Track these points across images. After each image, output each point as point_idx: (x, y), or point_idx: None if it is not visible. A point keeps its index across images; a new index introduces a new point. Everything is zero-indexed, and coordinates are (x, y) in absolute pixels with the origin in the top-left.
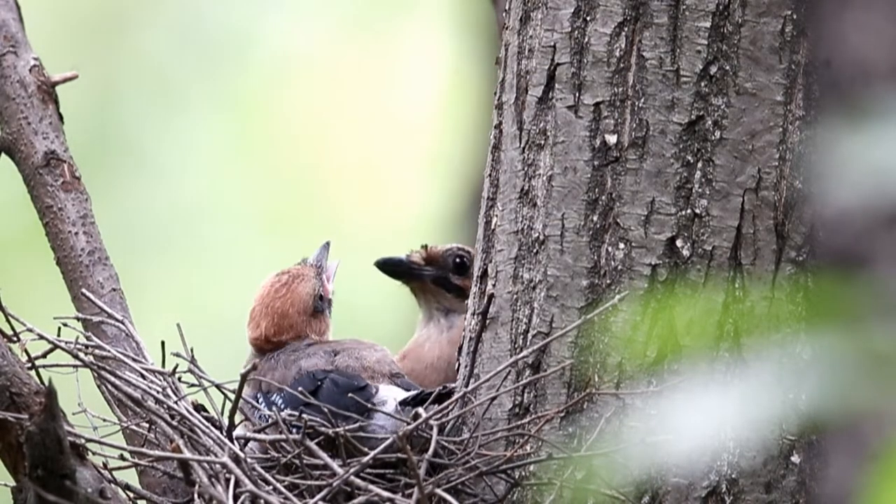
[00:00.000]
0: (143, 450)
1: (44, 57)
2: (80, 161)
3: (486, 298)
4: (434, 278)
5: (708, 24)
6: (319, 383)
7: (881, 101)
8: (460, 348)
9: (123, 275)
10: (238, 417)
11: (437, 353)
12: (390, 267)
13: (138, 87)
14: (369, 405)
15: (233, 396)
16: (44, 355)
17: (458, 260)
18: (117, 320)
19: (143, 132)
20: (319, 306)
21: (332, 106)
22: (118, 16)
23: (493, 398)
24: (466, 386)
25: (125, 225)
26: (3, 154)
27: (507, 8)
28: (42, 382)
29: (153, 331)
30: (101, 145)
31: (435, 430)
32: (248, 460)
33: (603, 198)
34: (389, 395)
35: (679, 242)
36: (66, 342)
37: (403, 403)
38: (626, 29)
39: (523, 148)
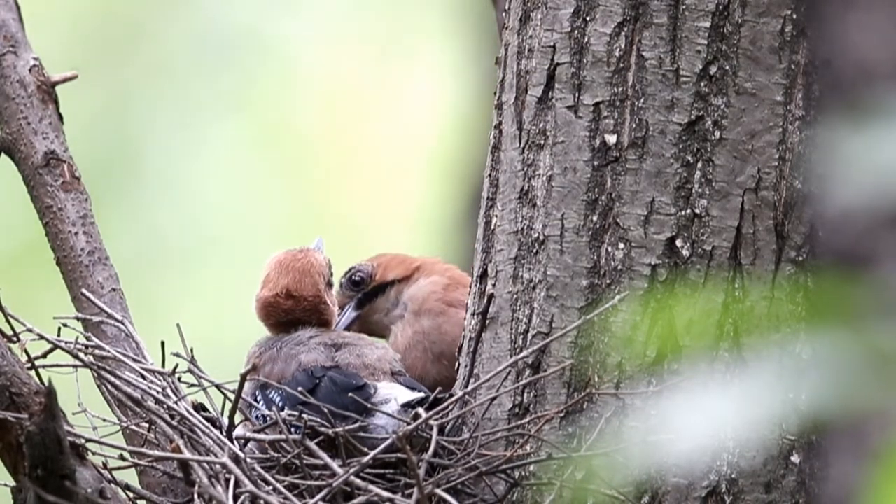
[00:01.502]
0: (143, 450)
1: (55, 62)
2: (92, 166)
3: (485, 298)
4: (357, 307)
5: (708, 24)
6: (318, 381)
7: (883, 101)
8: (460, 348)
9: (134, 279)
10: (238, 417)
11: (410, 332)
12: None
13: (151, 94)
14: (368, 405)
15: (233, 396)
16: (44, 355)
17: (352, 279)
18: (117, 320)
19: (155, 138)
20: (332, 280)
21: (339, 110)
22: (132, 23)
23: (493, 398)
24: (466, 386)
25: (136, 229)
26: (3, 154)
27: (506, 8)
28: (42, 382)
29: (157, 333)
30: (113, 151)
31: (435, 430)
32: (248, 460)
33: (603, 198)
34: (392, 394)
35: (679, 242)
36: (66, 342)
37: (406, 406)
38: (625, 29)
39: (523, 148)
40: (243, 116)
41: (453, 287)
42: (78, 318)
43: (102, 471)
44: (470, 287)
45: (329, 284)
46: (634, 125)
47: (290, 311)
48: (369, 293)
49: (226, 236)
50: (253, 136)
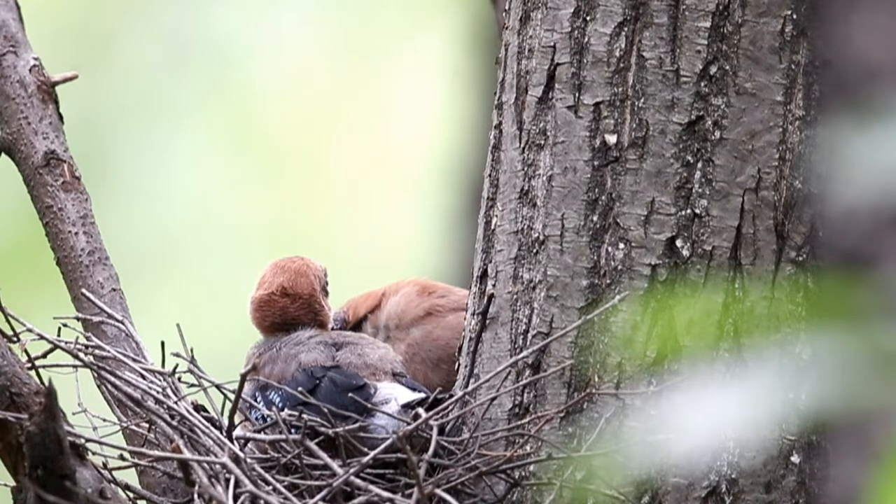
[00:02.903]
0: (143, 450)
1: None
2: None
3: (485, 298)
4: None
5: (708, 24)
6: (318, 381)
7: (886, 100)
8: (460, 348)
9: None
10: (238, 417)
11: (403, 348)
12: None
13: (126, 102)
14: (369, 405)
15: (233, 396)
16: (44, 355)
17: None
18: (117, 320)
19: (131, 146)
20: (328, 288)
21: (329, 109)
22: (102, 28)
23: (493, 398)
24: (466, 386)
25: (112, 237)
26: (3, 154)
27: (507, 8)
28: (42, 382)
29: (145, 333)
30: (86, 156)
31: (435, 430)
32: (248, 460)
33: (603, 198)
34: (392, 395)
35: (679, 242)
36: (66, 342)
37: (406, 407)
38: (626, 29)
39: (523, 148)
40: (230, 125)
41: (424, 292)
42: (78, 318)
43: (102, 471)
44: (469, 287)
45: (325, 291)
46: (634, 125)
47: (285, 310)
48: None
49: (205, 244)
50: (243, 148)
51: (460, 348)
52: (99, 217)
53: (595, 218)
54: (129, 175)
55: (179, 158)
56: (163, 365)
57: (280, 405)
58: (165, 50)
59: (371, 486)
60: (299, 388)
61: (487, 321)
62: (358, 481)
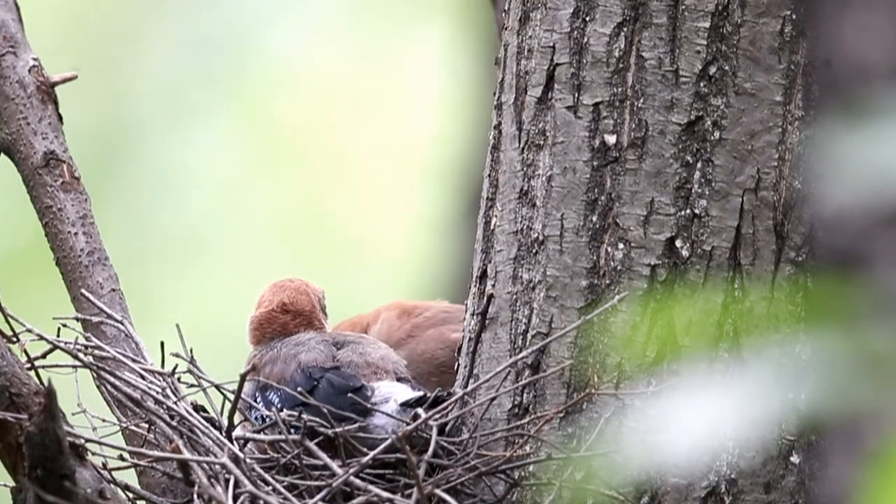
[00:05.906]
0: (143, 450)
1: (49, 65)
2: (86, 167)
3: (485, 299)
4: None
5: (707, 25)
6: (315, 383)
7: (881, 100)
8: (460, 348)
9: (128, 281)
10: (237, 418)
11: None
12: None
13: (145, 96)
14: (368, 405)
15: (232, 397)
16: (43, 356)
17: None
18: (117, 321)
19: (149, 140)
20: (326, 310)
21: (335, 110)
22: (124, 24)
23: (493, 398)
24: (465, 386)
25: (130, 231)
26: (2, 154)
27: (506, 8)
28: (42, 383)
29: (156, 335)
30: (106, 152)
31: (434, 430)
32: (248, 461)
33: (602, 198)
34: (391, 393)
35: (678, 243)
36: (66, 342)
37: (405, 405)
38: (625, 29)
39: (522, 148)
40: (246, 120)
41: (404, 315)
42: (77, 319)
43: (102, 471)
44: (469, 287)
45: (324, 312)
46: (634, 125)
47: (285, 326)
48: None
49: (221, 238)
50: (258, 142)
51: (460, 348)
52: (114, 214)
53: (594, 218)
54: (149, 170)
55: (198, 153)
56: (162, 365)
57: (279, 406)
58: (188, 43)
59: (371, 487)
60: (298, 389)
61: (487, 321)
62: (357, 481)
